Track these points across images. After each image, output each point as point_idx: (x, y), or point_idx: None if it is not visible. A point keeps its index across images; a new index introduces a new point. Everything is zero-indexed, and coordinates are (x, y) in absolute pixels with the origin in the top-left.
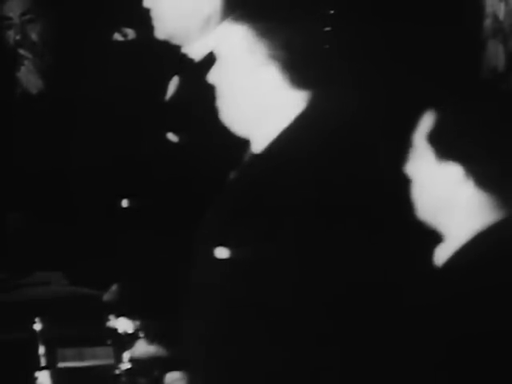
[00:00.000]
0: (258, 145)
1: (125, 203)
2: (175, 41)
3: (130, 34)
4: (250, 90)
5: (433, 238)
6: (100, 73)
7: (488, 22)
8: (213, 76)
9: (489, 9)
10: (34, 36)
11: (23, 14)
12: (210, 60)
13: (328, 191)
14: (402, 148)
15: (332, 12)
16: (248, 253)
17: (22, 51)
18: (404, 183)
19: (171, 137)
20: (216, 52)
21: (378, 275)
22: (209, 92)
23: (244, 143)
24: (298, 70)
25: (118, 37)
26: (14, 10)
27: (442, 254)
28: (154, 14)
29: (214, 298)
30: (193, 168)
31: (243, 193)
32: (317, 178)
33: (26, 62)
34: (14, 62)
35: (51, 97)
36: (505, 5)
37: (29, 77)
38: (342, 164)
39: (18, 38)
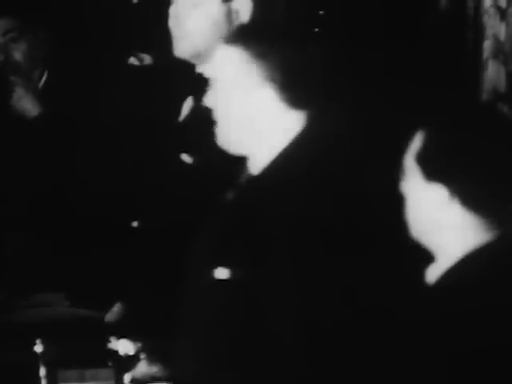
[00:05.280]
0: (255, 166)
1: (129, 224)
2: (197, 59)
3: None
4: (246, 112)
5: (424, 256)
6: (97, 91)
7: (489, 43)
8: (209, 99)
9: (489, 30)
10: (18, 55)
11: (5, 33)
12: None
13: (324, 212)
14: (394, 168)
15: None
16: (242, 274)
17: (12, 78)
18: (397, 203)
19: (185, 158)
20: (212, 75)
21: (370, 295)
22: (206, 114)
23: (241, 164)
24: (293, 90)
25: (127, 58)
26: None
27: (432, 273)
28: (177, 33)
29: (207, 318)
30: (189, 189)
31: (239, 214)
32: (314, 199)
33: (16, 88)
34: (5, 90)
35: (50, 116)
36: (506, 26)
37: (22, 102)
38: (340, 185)
39: (1, 58)
